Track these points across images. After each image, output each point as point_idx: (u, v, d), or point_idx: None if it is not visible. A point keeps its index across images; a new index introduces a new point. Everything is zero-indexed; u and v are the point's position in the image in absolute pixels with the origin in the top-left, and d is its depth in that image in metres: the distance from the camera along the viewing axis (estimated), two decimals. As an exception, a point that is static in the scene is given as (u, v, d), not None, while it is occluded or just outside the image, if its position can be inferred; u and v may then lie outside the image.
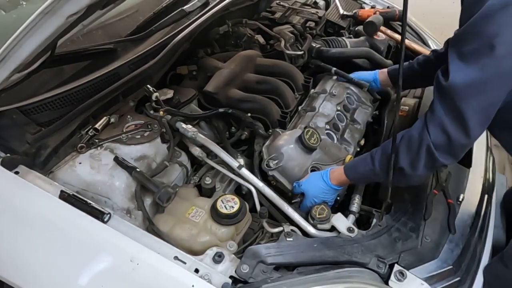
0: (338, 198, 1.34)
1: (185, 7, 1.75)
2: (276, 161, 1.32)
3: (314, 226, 1.17)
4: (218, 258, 1.01)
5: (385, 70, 1.67)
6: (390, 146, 1.07)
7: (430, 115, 1.04)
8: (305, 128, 1.36)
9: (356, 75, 1.72)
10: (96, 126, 1.28)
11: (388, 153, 1.09)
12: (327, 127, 1.50)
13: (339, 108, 1.60)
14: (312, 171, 1.34)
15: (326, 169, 1.28)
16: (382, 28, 2.15)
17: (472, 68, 0.95)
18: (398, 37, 2.16)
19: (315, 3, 2.45)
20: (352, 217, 1.21)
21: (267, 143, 1.42)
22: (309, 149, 1.35)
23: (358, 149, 1.58)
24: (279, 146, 1.35)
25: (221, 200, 1.19)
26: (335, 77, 1.74)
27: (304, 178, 1.30)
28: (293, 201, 1.31)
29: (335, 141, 1.48)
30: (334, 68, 1.74)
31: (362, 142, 1.62)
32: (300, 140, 1.34)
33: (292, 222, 1.20)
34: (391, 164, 1.07)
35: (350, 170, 1.24)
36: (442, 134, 1.01)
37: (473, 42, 0.94)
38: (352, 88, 1.71)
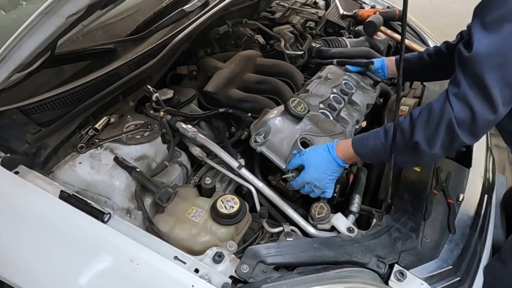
0: (336, 195, 1.32)
1: (185, 7, 1.76)
2: (263, 135, 1.26)
3: (314, 226, 1.17)
4: (218, 258, 1.01)
5: (393, 58, 1.63)
6: (409, 121, 1.02)
7: (453, 89, 0.98)
8: (285, 103, 1.30)
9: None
10: (96, 126, 1.28)
11: (405, 129, 1.03)
12: (321, 106, 1.45)
13: (335, 91, 1.54)
14: (302, 143, 1.27)
15: (333, 141, 1.21)
16: (382, 28, 2.16)
17: (495, 37, 0.92)
18: (398, 37, 2.16)
19: (315, 3, 2.45)
20: (352, 217, 1.21)
21: (254, 122, 1.37)
22: (296, 118, 1.28)
23: (357, 128, 1.52)
24: (265, 120, 1.30)
25: (221, 200, 1.19)
26: (328, 66, 1.69)
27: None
28: (284, 176, 1.25)
29: (331, 119, 1.43)
30: (335, 60, 1.73)
31: (364, 124, 1.56)
32: (286, 108, 1.27)
33: (292, 222, 1.20)
34: (392, 163, 1.06)
35: (359, 142, 1.16)
36: (465, 109, 0.95)
37: (498, 10, 0.92)
38: (351, 74, 1.66)
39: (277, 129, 1.28)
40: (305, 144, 1.29)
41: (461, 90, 0.96)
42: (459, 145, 1.03)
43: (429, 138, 1.01)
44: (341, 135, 1.37)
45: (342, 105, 1.51)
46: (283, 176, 1.26)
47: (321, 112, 1.43)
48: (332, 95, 1.51)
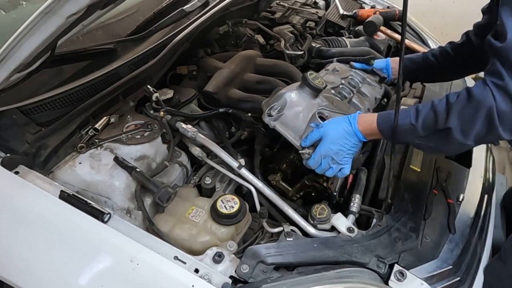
0: (335, 193, 1.30)
1: (185, 7, 1.76)
2: (278, 109, 1.19)
3: (314, 226, 1.17)
4: (218, 258, 1.01)
5: (397, 59, 1.61)
6: (444, 104, 0.98)
7: (493, 79, 0.93)
8: (303, 74, 1.24)
9: None
10: (96, 126, 1.28)
11: (440, 111, 0.98)
12: (333, 91, 1.39)
13: (343, 82, 1.49)
14: (319, 117, 1.21)
15: (354, 113, 1.15)
16: (382, 28, 2.16)
17: None
18: (398, 37, 2.16)
19: (315, 3, 2.45)
20: (352, 217, 1.21)
21: (266, 99, 1.31)
22: (315, 90, 1.21)
23: None
24: (281, 94, 1.23)
25: (221, 200, 1.19)
26: (331, 64, 1.65)
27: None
28: (300, 151, 1.19)
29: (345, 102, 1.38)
30: (336, 59, 1.73)
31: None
32: (304, 80, 1.20)
33: (292, 222, 1.20)
34: (391, 163, 1.06)
35: (384, 118, 1.10)
36: (508, 101, 0.90)
37: None
38: (356, 70, 1.63)
39: (293, 103, 1.21)
40: (322, 118, 1.22)
41: (505, 82, 0.91)
42: (494, 139, 0.98)
43: (464, 125, 0.96)
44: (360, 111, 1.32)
45: (351, 95, 1.47)
46: (299, 152, 1.19)
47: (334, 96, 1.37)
48: (340, 85, 1.48)
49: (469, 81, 2.00)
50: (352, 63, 1.64)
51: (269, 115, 1.20)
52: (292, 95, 1.22)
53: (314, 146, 1.17)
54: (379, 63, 1.63)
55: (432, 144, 1.04)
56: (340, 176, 1.19)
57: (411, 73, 1.54)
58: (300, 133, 1.21)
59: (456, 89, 1.83)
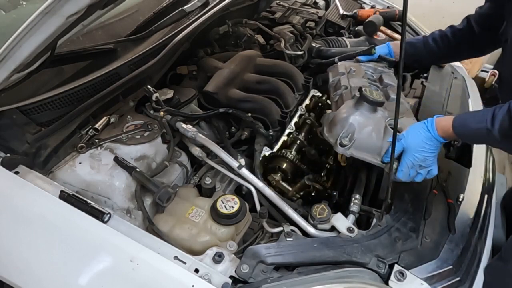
0: (335, 193, 1.28)
1: (185, 7, 1.76)
2: (349, 136, 1.16)
3: (314, 226, 1.17)
4: (218, 258, 1.01)
5: (398, 42, 1.64)
6: None
7: None
8: (359, 89, 1.21)
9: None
10: (96, 126, 1.28)
11: None
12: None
13: (365, 80, 1.49)
14: (391, 128, 1.19)
15: (429, 118, 1.14)
16: (382, 28, 2.16)
17: None
18: (398, 37, 2.16)
19: (315, 3, 2.45)
20: (352, 217, 1.21)
21: (325, 129, 1.27)
22: (377, 104, 1.19)
23: (412, 105, 1.45)
24: (344, 119, 1.19)
25: (221, 200, 1.19)
26: (341, 64, 1.65)
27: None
28: (384, 168, 1.16)
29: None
30: (337, 58, 1.73)
31: (412, 102, 1.51)
32: (364, 99, 1.18)
33: (292, 222, 1.20)
34: (392, 161, 1.06)
35: (460, 123, 1.10)
36: None
37: None
38: (365, 63, 1.64)
39: (362, 125, 1.18)
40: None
41: None
42: None
43: None
44: (409, 112, 1.33)
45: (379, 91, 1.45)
46: (383, 168, 1.16)
47: None
48: (369, 85, 1.46)
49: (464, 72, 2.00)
50: (358, 57, 1.65)
51: (342, 145, 1.16)
52: (358, 118, 1.19)
53: (396, 158, 1.15)
54: (381, 49, 1.65)
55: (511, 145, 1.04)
56: (429, 177, 1.19)
57: (411, 56, 1.57)
58: (377, 151, 1.19)
59: (456, 89, 1.83)
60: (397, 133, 1.14)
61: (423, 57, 1.55)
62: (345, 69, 1.58)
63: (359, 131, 1.17)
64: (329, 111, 1.41)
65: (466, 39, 1.47)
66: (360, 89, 1.20)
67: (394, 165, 1.15)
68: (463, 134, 1.12)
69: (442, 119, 1.14)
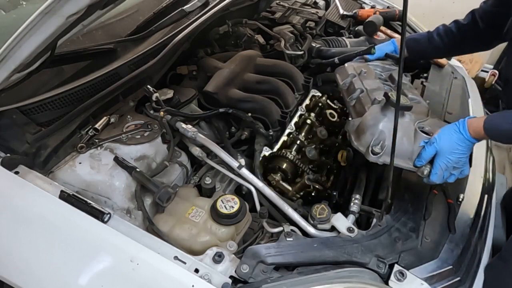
0: (335, 193, 1.27)
1: (185, 7, 1.76)
2: (380, 143, 1.14)
3: (314, 226, 1.17)
4: (218, 258, 1.01)
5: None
6: None
7: None
8: (385, 94, 1.20)
9: (376, 48, 1.67)
10: (96, 126, 1.28)
11: None
12: None
13: (378, 81, 1.47)
14: (421, 131, 1.19)
15: (461, 120, 1.15)
16: (382, 28, 2.16)
17: None
18: (398, 37, 2.16)
19: (315, 3, 2.45)
20: (352, 217, 1.21)
21: (352, 137, 1.26)
22: (406, 109, 1.18)
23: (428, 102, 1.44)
24: (373, 126, 1.17)
25: (221, 200, 1.19)
26: (348, 65, 1.63)
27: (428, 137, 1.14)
28: (417, 171, 1.15)
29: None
30: (337, 58, 1.73)
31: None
32: (392, 104, 1.16)
33: (292, 222, 1.20)
34: (392, 162, 1.06)
35: (491, 124, 1.11)
36: None
37: None
38: (372, 62, 1.62)
39: (392, 130, 1.17)
40: (423, 132, 1.20)
41: None
42: None
43: None
44: (431, 113, 1.32)
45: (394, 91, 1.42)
46: (416, 172, 1.15)
47: None
48: (385, 86, 1.44)
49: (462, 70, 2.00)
50: (366, 56, 1.65)
51: (374, 153, 1.15)
52: (387, 124, 1.17)
53: (429, 161, 1.15)
54: (386, 46, 1.65)
55: None
56: (461, 177, 1.20)
57: (416, 52, 1.57)
58: (409, 156, 1.18)
59: (456, 89, 1.83)
60: (428, 136, 1.15)
61: (428, 52, 1.55)
62: (355, 70, 1.56)
63: (390, 138, 1.13)
64: (350, 120, 1.36)
65: (471, 34, 1.47)
66: (386, 94, 1.19)
67: (427, 169, 1.15)
68: (495, 135, 1.13)
69: (474, 120, 1.14)
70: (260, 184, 1.28)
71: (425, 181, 1.19)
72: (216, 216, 1.17)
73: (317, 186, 1.44)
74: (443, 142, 1.13)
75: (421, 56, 1.69)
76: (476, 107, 1.81)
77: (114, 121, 1.34)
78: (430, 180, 1.17)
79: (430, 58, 1.86)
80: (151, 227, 1.14)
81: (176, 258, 0.99)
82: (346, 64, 1.64)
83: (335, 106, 1.82)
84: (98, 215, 1.02)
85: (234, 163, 1.31)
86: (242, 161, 1.33)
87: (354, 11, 2.32)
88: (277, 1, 2.35)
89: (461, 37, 1.50)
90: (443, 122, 1.27)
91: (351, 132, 1.27)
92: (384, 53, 1.67)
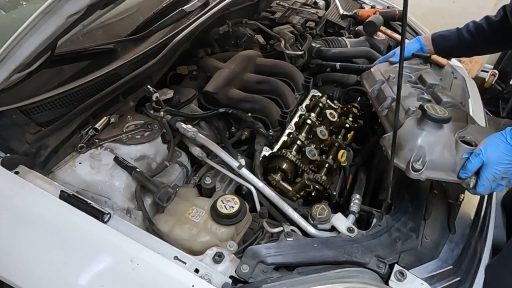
0: (335, 193, 1.26)
1: (185, 7, 1.76)
2: (421, 159, 1.10)
3: (314, 226, 1.17)
4: (218, 258, 1.01)
5: (429, 35, 1.60)
6: None
7: None
8: (420, 107, 1.15)
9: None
10: (96, 126, 1.28)
11: None
12: (421, 102, 1.28)
13: (408, 85, 1.41)
14: (462, 141, 1.14)
15: (507, 128, 1.09)
16: (382, 28, 2.16)
17: None
18: (398, 37, 2.16)
19: (315, 3, 2.45)
20: (352, 217, 1.21)
21: (389, 153, 1.15)
22: (444, 121, 1.12)
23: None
24: (411, 141, 1.13)
25: (221, 200, 1.19)
26: (375, 70, 1.58)
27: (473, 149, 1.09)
28: (462, 183, 1.12)
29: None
30: (338, 64, 1.72)
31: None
32: (429, 118, 1.11)
33: (292, 222, 1.20)
34: (392, 164, 1.06)
35: None
36: None
37: None
38: (396, 65, 1.57)
39: (432, 144, 1.12)
40: (466, 143, 1.15)
41: None
42: None
43: None
44: (471, 118, 1.27)
45: (427, 95, 1.39)
46: (462, 184, 1.11)
47: None
48: (417, 92, 1.39)
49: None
50: (391, 59, 1.61)
51: (415, 170, 1.10)
52: (426, 139, 1.12)
53: (475, 173, 1.12)
54: (412, 44, 1.61)
55: None
56: (509, 185, 1.15)
57: (443, 49, 1.55)
58: (451, 168, 1.13)
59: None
60: (471, 148, 1.12)
61: (456, 49, 1.52)
62: (382, 75, 1.50)
63: (430, 152, 1.11)
64: (387, 135, 1.27)
65: (502, 29, 1.42)
66: (421, 108, 1.14)
67: (473, 181, 1.11)
68: None
69: None
70: (260, 184, 1.28)
71: (471, 192, 1.15)
72: (216, 216, 1.17)
73: (317, 186, 1.44)
74: (489, 153, 1.07)
75: (448, 53, 1.65)
76: (476, 107, 1.81)
77: (114, 121, 1.34)
78: (477, 191, 1.12)
79: (457, 56, 1.82)
80: (151, 227, 1.14)
81: (176, 258, 0.99)
82: (372, 69, 1.58)
83: (335, 106, 1.82)
84: (98, 215, 1.02)
85: (234, 163, 1.31)
86: (242, 161, 1.33)
87: (354, 11, 2.32)
88: (277, 1, 2.35)
89: (493, 33, 1.45)
90: (484, 128, 1.22)
91: (387, 147, 1.20)
92: (410, 52, 1.62)
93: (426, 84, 1.47)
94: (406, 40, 1.82)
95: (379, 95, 1.46)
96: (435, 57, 1.79)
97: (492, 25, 1.44)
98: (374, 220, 1.20)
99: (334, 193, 1.43)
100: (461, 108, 1.33)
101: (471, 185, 1.12)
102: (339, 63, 1.73)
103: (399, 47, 1.61)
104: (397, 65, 1.51)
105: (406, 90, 1.39)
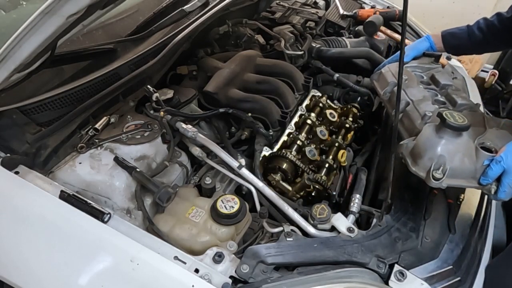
0: (335, 193, 1.26)
1: (185, 7, 1.76)
2: (441, 168, 1.09)
3: (314, 226, 1.17)
4: (218, 258, 1.01)
5: (439, 34, 1.59)
6: None
7: None
8: (439, 114, 1.13)
9: (411, 47, 1.60)
10: (96, 126, 1.28)
11: None
12: (437, 106, 1.29)
13: (422, 87, 1.38)
14: (482, 148, 1.13)
15: None
16: (382, 28, 2.16)
17: None
18: (398, 37, 2.16)
19: (315, 3, 2.45)
20: (352, 217, 1.21)
21: (409, 162, 1.16)
22: (463, 129, 1.10)
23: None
24: (430, 150, 1.11)
25: (221, 200, 1.19)
26: (386, 71, 1.54)
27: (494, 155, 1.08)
28: (483, 189, 1.11)
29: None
30: (337, 75, 1.72)
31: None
32: (448, 126, 1.09)
33: (292, 222, 1.20)
34: (392, 163, 1.06)
35: None
36: None
37: None
38: (409, 64, 1.54)
39: (452, 152, 1.10)
40: (486, 149, 1.13)
41: None
42: None
43: None
44: (490, 121, 1.25)
45: (441, 97, 1.37)
46: (483, 190, 1.10)
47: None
48: (430, 95, 1.36)
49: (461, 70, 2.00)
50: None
51: (436, 179, 1.08)
52: (445, 147, 1.11)
53: (496, 179, 1.10)
54: (422, 43, 1.60)
55: None
56: None
57: (453, 47, 1.54)
58: (472, 175, 1.12)
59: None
60: (492, 154, 1.10)
61: (466, 47, 1.51)
62: (394, 77, 1.46)
63: (450, 160, 1.09)
64: (405, 141, 1.23)
65: None
66: (440, 115, 1.12)
67: (494, 187, 1.10)
68: None
69: None
70: (260, 184, 1.28)
71: (492, 198, 1.15)
72: (216, 216, 1.17)
73: (317, 186, 1.44)
74: (511, 160, 1.06)
75: (458, 51, 1.64)
76: (476, 107, 1.81)
77: (114, 121, 1.34)
78: (498, 197, 1.11)
79: (468, 54, 1.79)
80: (151, 227, 1.14)
81: (176, 258, 0.99)
82: (383, 70, 1.55)
83: (335, 106, 1.82)
84: (98, 215, 1.02)
85: (234, 163, 1.31)
86: (242, 161, 1.33)
87: (354, 11, 2.32)
88: (277, 1, 2.35)
89: (503, 29, 1.44)
90: (503, 132, 1.20)
91: (406, 155, 1.18)
92: (420, 51, 1.60)
93: (439, 84, 1.44)
94: (415, 40, 1.82)
95: (391, 98, 1.44)
96: None
97: (504, 22, 1.43)
98: (374, 220, 1.20)
99: (334, 193, 1.43)
100: (478, 110, 1.31)
101: (492, 191, 1.10)
102: (337, 75, 1.75)
103: (407, 47, 1.60)
104: (409, 64, 1.54)
105: (420, 93, 1.36)
